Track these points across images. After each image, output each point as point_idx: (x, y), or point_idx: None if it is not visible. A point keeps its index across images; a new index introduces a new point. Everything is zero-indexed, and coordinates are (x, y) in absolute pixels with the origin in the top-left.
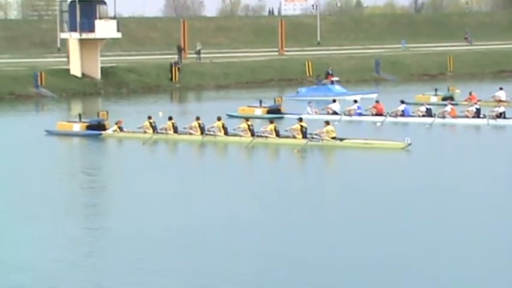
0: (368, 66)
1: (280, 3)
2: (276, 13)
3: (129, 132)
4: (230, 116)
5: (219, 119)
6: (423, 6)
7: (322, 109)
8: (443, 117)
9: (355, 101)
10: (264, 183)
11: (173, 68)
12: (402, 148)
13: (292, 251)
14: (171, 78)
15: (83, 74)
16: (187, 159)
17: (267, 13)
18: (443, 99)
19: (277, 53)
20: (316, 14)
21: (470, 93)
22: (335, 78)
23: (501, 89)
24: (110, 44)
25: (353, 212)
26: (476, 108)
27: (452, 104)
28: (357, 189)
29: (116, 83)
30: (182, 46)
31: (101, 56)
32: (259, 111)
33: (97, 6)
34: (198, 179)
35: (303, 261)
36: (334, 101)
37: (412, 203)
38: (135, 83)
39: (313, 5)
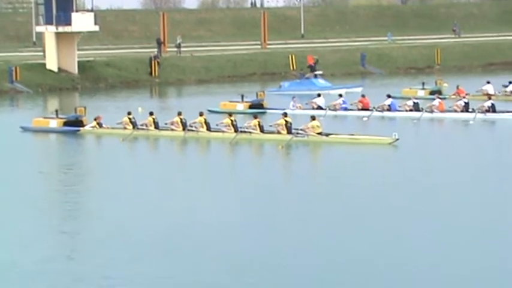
0: (353, 60)
1: None
2: (258, 5)
3: (108, 128)
4: (211, 112)
5: (201, 114)
6: None
7: (307, 104)
8: (431, 111)
9: (340, 95)
10: (248, 179)
11: (153, 62)
12: (389, 143)
13: (276, 249)
14: (151, 73)
15: (59, 69)
16: (168, 155)
17: (249, 5)
18: (431, 93)
19: (259, 46)
20: (299, 6)
21: (457, 87)
22: (319, 72)
23: (488, 82)
24: (87, 37)
25: (339, 209)
26: (465, 102)
27: (440, 98)
28: (343, 185)
29: (93, 78)
30: (162, 39)
31: (78, 49)
32: (241, 106)
33: None
34: (179, 176)
35: (286, 260)
36: (319, 95)
37: (399, 199)
38: (114, 77)
39: None
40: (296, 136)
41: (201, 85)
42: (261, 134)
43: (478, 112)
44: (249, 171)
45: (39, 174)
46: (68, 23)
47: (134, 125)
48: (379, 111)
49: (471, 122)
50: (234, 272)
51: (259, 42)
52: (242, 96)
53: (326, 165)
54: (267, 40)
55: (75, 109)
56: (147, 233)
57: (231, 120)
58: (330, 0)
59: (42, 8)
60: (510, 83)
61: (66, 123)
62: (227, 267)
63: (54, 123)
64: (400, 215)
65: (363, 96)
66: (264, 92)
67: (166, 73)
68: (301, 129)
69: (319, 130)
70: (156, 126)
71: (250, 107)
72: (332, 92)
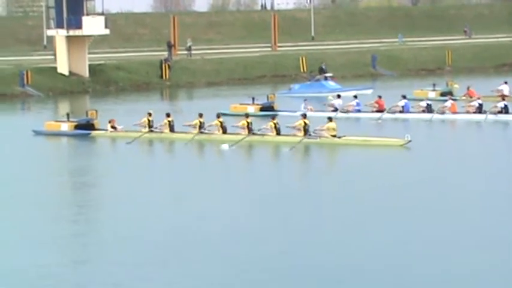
0: (364, 61)
1: None
2: (268, 7)
3: (122, 131)
4: (222, 114)
5: (218, 116)
6: None
7: (324, 104)
8: (443, 112)
9: (355, 97)
10: (260, 182)
11: (163, 65)
12: (402, 145)
13: (289, 252)
14: (161, 76)
15: (70, 72)
16: (178, 158)
17: (259, 7)
18: (442, 94)
19: (270, 49)
20: (310, 8)
21: (468, 88)
22: (329, 74)
23: (506, 82)
24: (97, 40)
25: (351, 212)
26: (479, 104)
27: (452, 99)
28: (355, 187)
29: (104, 81)
30: (172, 42)
31: (89, 53)
32: (251, 109)
33: (84, 2)
34: (191, 180)
35: (299, 260)
36: (339, 96)
37: (411, 201)
38: (124, 80)
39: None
40: (308, 138)
41: (211, 88)
42: (275, 136)
43: (490, 113)
44: (260, 173)
45: (50, 177)
46: (79, 26)
47: (150, 126)
48: (390, 113)
49: (482, 123)
50: (245, 273)
51: (269, 45)
52: (253, 99)
53: (338, 167)
54: (277, 42)
55: (87, 112)
56: (154, 238)
57: (248, 122)
58: (340, 2)
59: (53, 12)
60: None
61: (77, 127)
62: (238, 270)
63: (65, 127)
64: (412, 218)
65: (379, 97)
66: (274, 94)
67: (177, 76)
68: (316, 130)
69: (334, 133)
70: (172, 129)
71: (261, 110)
72: (342, 94)
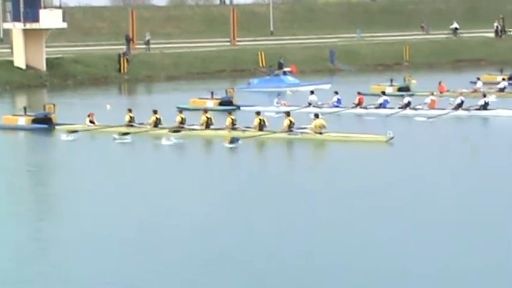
0: (322, 56)
1: None
2: (227, 2)
3: (99, 126)
4: (180, 109)
5: (205, 111)
6: None
7: (277, 103)
8: (422, 108)
9: (336, 92)
10: (231, 178)
11: (121, 59)
12: (385, 141)
13: (262, 250)
14: (120, 70)
15: (27, 66)
16: (140, 153)
17: (218, 2)
18: (399, 89)
19: (229, 43)
20: (269, 3)
21: (439, 83)
22: (287, 69)
23: (478, 79)
24: (55, 34)
25: (336, 208)
26: (461, 100)
27: (409, 95)
28: (339, 184)
29: (61, 75)
30: (130, 36)
31: (46, 46)
32: (211, 103)
33: None
34: (154, 175)
35: (276, 259)
36: (312, 92)
37: (397, 198)
38: (82, 74)
39: None
40: (289, 134)
41: (170, 82)
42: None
43: (471, 110)
44: (227, 168)
45: (6, 172)
46: (36, 19)
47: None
48: (360, 107)
49: (464, 119)
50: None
51: (228, 39)
52: (212, 93)
53: (323, 164)
54: (236, 37)
55: (44, 106)
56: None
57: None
58: None
59: (9, 5)
60: (478, 79)
61: (34, 121)
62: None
63: (22, 121)
64: (396, 215)
65: (359, 93)
66: (233, 89)
67: (135, 70)
68: (303, 127)
69: (323, 129)
70: (156, 125)
71: (220, 104)
72: (301, 88)
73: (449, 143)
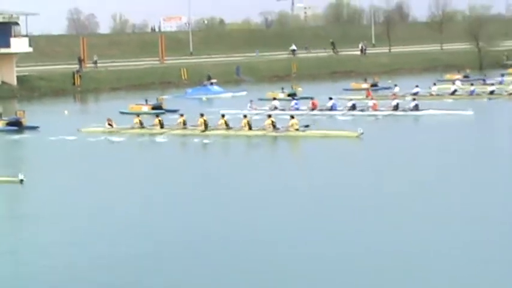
0: (230, 71)
1: (160, 22)
2: (157, 30)
3: (116, 128)
4: (122, 113)
5: (202, 115)
6: (272, 23)
7: (250, 107)
8: (367, 109)
9: (274, 98)
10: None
11: (75, 76)
12: (356, 137)
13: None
14: (74, 83)
15: (2, 82)
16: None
17: (149, 30)
18: (289, 95)
19: (158, 62)
20: (188, 30)
21: (367, 90)
22: (213, 80)
23: (396, 85)
24: (23, 57)
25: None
26: (397, 103)
27: (295, 99)
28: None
29: (29, 88)
30: (82, 57)
31: (17, 66)
32: (145, 108)
33: (12, 27)
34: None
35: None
36: (275, 98)
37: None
38: (45, 88)
39: (186, 23)
40: (276, 132)
41: (113, 92)
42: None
43: (404, 110)
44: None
45: None
46: (8, 46)
47: (162, 125)
48: (317, 110)
49: (400, 118)
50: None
51: (158, 59)
52: (146, 100)
53: (306, 156)
54: (164, 57)
55: (16, 112)
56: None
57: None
58: (211, 25)
59: None
60: (434, 84)
61: (8, 124)
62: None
63: None
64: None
65: (312, 98)
66: (162, 96)
67: (86, 84)
68: (283, 126)
69: (297, 127)
70: (162, 126)
71: (153, 109)
72: (223, 95)
73: (399, 137)
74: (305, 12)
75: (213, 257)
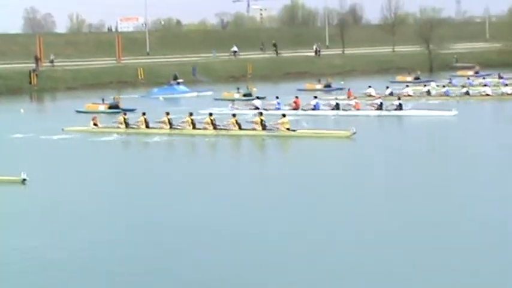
0: (187, 71)
1: (117, 22)
2: (113, 30)
3: (101, 127)
4: (78, 112)
5: (190, 114)
6: (228, 24)
7: (245, 105)
8: (350, 109)
9: (277, 97)
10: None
11: (32, 74)
12: (348, 136)
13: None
14: (30, 82)
15: None
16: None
17: (106, 30)
18: (244, 95)
19: (115, 61)
20: (145, 31)
21: (348, 90)
22: (180, 80)
23: (370, 86)
24: None
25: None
26: (380, 102)
27: (252, 99)
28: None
29: None
30: (39, 56)
31: None
32: (102, 107)
33: None
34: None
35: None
36: (258, 97)
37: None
38: (1, 86)
39: (143, 24)
40: (267, 131)
41: (70, 92)
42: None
43: (387, 110)
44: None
45: None
46: None
47: (127, 124)
48: (304, 110)
49: (382, 118)
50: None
51: (114, 58)
52: (103, 100)
53: (296, 155)
54: (121, 57)
55: None
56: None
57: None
58: (168, 26)
59: None
60: (369, 86)
61: None
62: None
63: None
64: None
65: (296, 97)
66: (119, 96)
67: (43, 82)
68: (272, 124)
69: (288, 126)
70: (147, 126)
71: (109, 108)
72: (187, 95)
73: (385, 135)
74: (261, 14)
75: (213, 256)
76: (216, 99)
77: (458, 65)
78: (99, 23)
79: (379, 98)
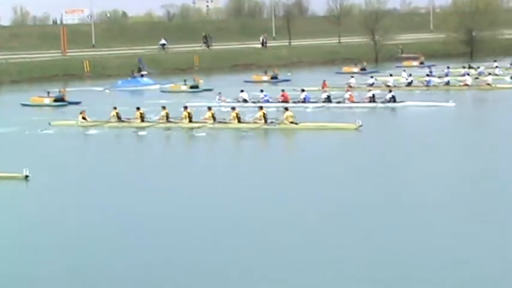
0: (133, 63)
1: (62, 14)
2: (58, 22)
3: (90, 121)
4: (24, 105)
5: (185, 108)
6: (174, 16)
7: (219, 99)
8: (344, 101)
9: (262, 91)
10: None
11: None
12: (355, 129)
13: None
14: None
15: None
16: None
17: (51, 22)
18: (191, 87)
19: (60, 54)
20: (91, 23)
21: (323, 81)
22: (144, 73)
23: (352, 77)
24: None
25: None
26: (373, 94)
27: (197, 92)
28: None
29: None
30: None
31: None
32: (47, 100)
33: None
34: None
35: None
36: (242, 91)
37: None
38: None
39: (88, 15)
40: (268, 125)
41: (15, 85)
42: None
43: (381, 102)
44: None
45: None
46: None
47: (119, 118)
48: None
49: (376, 110)
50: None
51: (60, 51)
52: (48, 93)
53: (310, 149)
54: (66, 49)
55: None
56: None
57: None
58: (114, 18)
59: None
60: (352, 77)
61: None
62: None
63: None
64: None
65: (283, 90)
66: (64, 89)
67: None
68: (275, 119)
69: (292, 119)
70: (143, 120)
71: (55, 101)
72: (152, 87)
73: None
74: (207, 6)
75: (211, 257)
76: (162, 92)
77: (403, 55)
78: (44, 15)
79: (370, 90)
